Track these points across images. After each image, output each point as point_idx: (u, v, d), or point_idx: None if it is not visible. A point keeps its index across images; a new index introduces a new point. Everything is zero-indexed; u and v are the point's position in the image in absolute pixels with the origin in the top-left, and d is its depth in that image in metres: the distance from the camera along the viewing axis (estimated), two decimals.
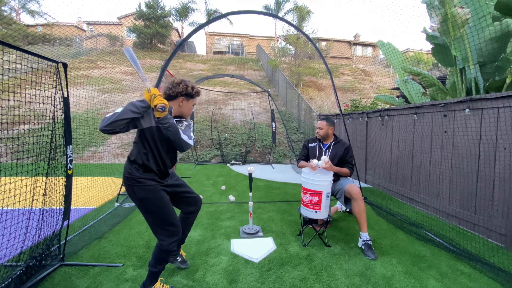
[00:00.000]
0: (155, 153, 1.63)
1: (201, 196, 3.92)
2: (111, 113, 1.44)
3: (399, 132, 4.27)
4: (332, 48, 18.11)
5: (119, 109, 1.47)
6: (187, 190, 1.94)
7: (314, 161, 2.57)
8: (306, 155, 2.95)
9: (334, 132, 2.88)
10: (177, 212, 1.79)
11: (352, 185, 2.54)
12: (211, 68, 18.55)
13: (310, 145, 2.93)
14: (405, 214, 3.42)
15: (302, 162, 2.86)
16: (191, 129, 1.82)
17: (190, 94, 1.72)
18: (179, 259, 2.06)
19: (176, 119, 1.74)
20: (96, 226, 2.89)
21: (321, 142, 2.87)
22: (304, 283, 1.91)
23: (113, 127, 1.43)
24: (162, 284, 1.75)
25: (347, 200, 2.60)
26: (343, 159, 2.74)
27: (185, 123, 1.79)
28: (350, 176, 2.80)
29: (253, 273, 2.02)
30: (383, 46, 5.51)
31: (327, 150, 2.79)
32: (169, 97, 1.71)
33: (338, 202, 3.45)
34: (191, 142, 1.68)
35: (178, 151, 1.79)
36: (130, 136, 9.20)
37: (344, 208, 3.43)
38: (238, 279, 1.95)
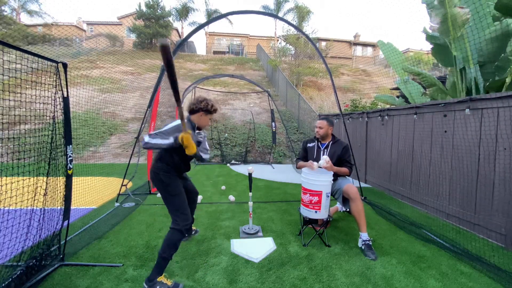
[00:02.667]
0: (180, 159, 2.07)
1: (200, 196, 3.93)
2: (147, 139, 1.82)
3: (399, 132, 4.27)
4: (332, 48, 18.12)
5: (153, 141, 1.82)
6: (192, 184, 2.49)
7: (315, 164, 2.58)
8: (305, 156, 2.95)
9: (332, 132, 2.89)
10: None
11: (349, 185, 2.54)
12: (211, 68, 18.55)
13: (308, 145, 2.94)
14: (405, 214, 3.42)
15: (301, 163, 2.86)
16: (206, 140, 2.26)
17: (208, 110, 2.16)
18: (192, 232, 2.62)
19: (196, 131, 2.19)
20: (96, 226, 2.89)
21: (319, 141, 2.88)
22: (304, 283, 1.91)
23: (146, 149, 1.91)
24: (166, 278, 1.84)
25: (345, 200, 2.60)
26: (342, 159, 2.75)
27: (203, 134, 2.22)
28: (349, 175, 2.80)
29: (253, 273, 2.03)
30: (383, 46, 5.51)
31: (325, 150, 2.79)
32: (192, 111, 2.15)
33: (338, 202, 3.45)
34: (207, 156, 2.19)
35: None
36: (130, 136, 9.20)
37: (344, 208, 3.43)
38: (238, 279, 1.95)
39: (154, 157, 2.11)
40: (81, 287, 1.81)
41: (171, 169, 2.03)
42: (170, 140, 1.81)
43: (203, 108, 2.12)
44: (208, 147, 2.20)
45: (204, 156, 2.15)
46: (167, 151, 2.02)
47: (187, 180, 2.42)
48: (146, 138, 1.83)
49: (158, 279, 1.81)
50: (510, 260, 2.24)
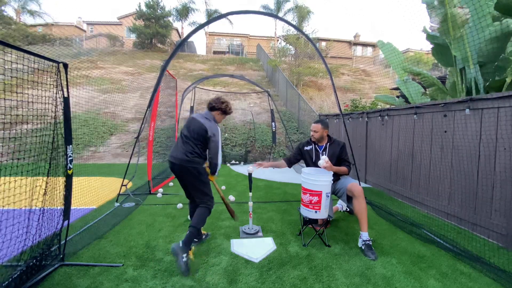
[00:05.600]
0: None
1: None
2: (219, 160, 2.36)
3: (399, 132, 4.27)
4: (332, 48, 18.12)
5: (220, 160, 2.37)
6: None
7: (321, 162, 2.59)
8: (298, 159, 2.96)
9: (328, 133, 2.89)
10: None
11: (354, 184, 2.55)
12: (211, 68, 18.56)
13: (305, 148, 2.92)
14: (405, 214, 3.42)
15: (282, 161, 3.00)
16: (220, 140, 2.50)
17: (225, 111, 2.47)
18: (203, 236, 2.67)
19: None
20: (96, 226, 2.89)
21: (316, 144, 2.87)
22: (304, 283, 1.91)
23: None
24: (192, 254, 2.16)
25: (349, 199, 2.60)
26: (340, 158, 2.77)
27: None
28: (348, 174, 2.81)
29: (253, 273, 2.03)
30: (383, 46, 5.51)
31: (324, 152, 2.79)
32: (212, 107, 2.42)
33: (338, 202, 3.46)
34: (220, 162, 2.42)
35: None
36: (130, 136, 9.20)
37: (344, 208, 3.44)
38: (238, 279, 1.95)
39: (187, 150, 2.30)
40: (81, 287, 1.81)
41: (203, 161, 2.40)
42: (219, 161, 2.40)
43: (223, 109, 2.43)
44: (220, 152, 2.43)
45: (219, 162, 2.43)
46: (204, 151, 2.40)
47: None
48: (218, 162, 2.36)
49: (189, 253, 2.07)
50: (510, 260, 2.24)
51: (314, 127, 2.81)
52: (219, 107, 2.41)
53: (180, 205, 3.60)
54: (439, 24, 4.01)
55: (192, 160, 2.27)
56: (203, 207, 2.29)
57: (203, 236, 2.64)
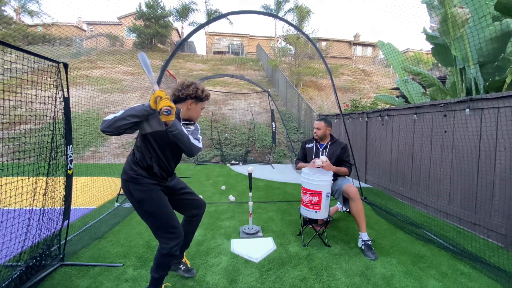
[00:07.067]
0: (160, 157, 1.59)
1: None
2: (112, 116, 1.40)
3: (399, 132, 4.27)
4: (332, 48, 18.10)
5: (119, 113, 1.42)
6: (190, 192, 1.88)
7: (317, 161, 2.58)
8: (304, 156, 2.96)
9: (331, 132, 2.89)
10: (179, 217, 1.73)
11: (349, 185, 2.54)
12: (211, 68, 18.55)
13: (307, 145, 2.94)
14: (405, 214, 3.42)
15: (301, 164, 2.88)
16: (199, 131, 1.79)
17: (199, 97, 1.67)
18: (182, 267, 1.94)
19: (183, 122, 1.69)
20: (96, 226, 2.89)
21: (318, 142, 2.88)
22: (304, 283, 1.91)
23: (112, 129, 1.39)
24: None
25: (346, 200, 2.60)
26: (341, 159, 2.76)
27: (192, 127, 1.73)
28: (349, 175, 2.81)
29: (253, 273, 2.03)
30: (383, 46, 5.51)
31: (324, 150, 2.80)
32: (178, 99, 1.65)
33: (338, 202, 3.45)
34: (200, 145, 1.64)
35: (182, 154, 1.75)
36: (130, 136, 9.19)
37: (344, 208, 3.43)
38: (238, 279, 1.95)
39: (130, 155, 1.63)
40: (81, 287, 1.81)
41: (149, 176, 1.57)
42: (138, 106, 1.42)
43: (192, 94, 1.64)
44: (200, 137, 1.72)
45: (198, 144, 1.63)
46: (145, 143, 1.55)
47: (182, 188, 1.84)
48: (109, 117, 1.40)
49: None
50: (510, 260, 2.24)
51: (317, 124, 2.82)
52: (186, 94, 1.63)
53: None
54: (439, 24, 4.01)
55: (124, 171, 1.61)
56: (158, 251, 1.59)
57: (182, 267, 1.94)
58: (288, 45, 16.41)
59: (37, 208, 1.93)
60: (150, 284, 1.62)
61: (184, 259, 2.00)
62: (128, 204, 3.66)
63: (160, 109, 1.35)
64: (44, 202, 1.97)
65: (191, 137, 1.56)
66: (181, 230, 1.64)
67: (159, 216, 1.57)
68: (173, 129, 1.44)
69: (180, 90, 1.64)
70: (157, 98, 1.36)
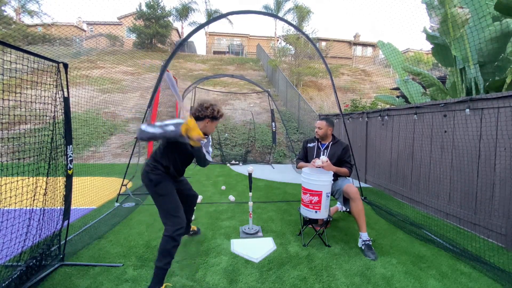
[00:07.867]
0: (177, 161, 2.00)
1: (200, 196, 3.93)
2: (151, 130, 1.68)
3: (399, 132, 4.27)
4: (332, 48, 18.10)
5: (156, 129, 1.69)
6: (189, 186, 2.36)
7: (317, 161, 2.58)
8: (305, 156, 2.96)
9: (332, 132, 2.89)
10: None
11: (349, 185, 2.54)
12: (211, 68, 18.55)
13: (308, 145, 2.94)
14: (405, 214, 3.42)
15: (301, 163, 2.88)
16: (210, 142, 2.14)
17: (215, 117, 1.99)
18: (191, 232, 2.52)
19: None
20: (96, 226, 2.89)
21: (319, 142, 2.88)
22: (304, 283, 1.91)
23: (146, 140, 1.80)
24: None
25: (346, 200, 2.60)
26: (342, 159, 2.76)
27: (205, 140, 1.97)
28: (349, 176, 2.81)
29: (253, 273, 2.03)
30: (384, 46, 5.51)
31: (325, 150, 2.80)
32: (197, 118, 1.95)
33: (339, 202, 3.45)
34: (210, 158, 2.04)
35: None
36: (130, 136, 9.20)
37: (344, 208, 3.43)
38: (238, 279, 1.95)
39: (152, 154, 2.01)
40: (81, 287, 1.81)
41: (163, 169, 1.93)
42: (171, 127, 1.68)
43: (210, 115, 1.94)
44: (210, 150, 2.09)
45: (208, 157, 2.00)
46: (165, 149, 1.93)
47: (184, 182, 2.28)
48: (143, 127, 1.66)
49: None
50: (510, 260, 2.24)
51: (318, 123, 2.82)
52: (204, 115, 1.94)
53: None
54: (439, 24, 4.01)
55: (147, 164, 2.01)
56: (163, 235, 1.78)
57: (191, 232, 2.56)
58: (288, 45, 16.40)
59: (37, 208, 1.93)
60: (153, 278, 1.75)
61: (192, 227, 2.60)
62: (128, 204, 3.67)
63: (191, 136, 1.67)
64: (44, 202, 1.97)
65: (206, 153, 1.98)
66: (185, 219, 1.91)
67: (169, 199, 1.89)
68: (197, 149, 1.85)
69: (200, 111, 1.96)
70: (187, 130, 1.65)
